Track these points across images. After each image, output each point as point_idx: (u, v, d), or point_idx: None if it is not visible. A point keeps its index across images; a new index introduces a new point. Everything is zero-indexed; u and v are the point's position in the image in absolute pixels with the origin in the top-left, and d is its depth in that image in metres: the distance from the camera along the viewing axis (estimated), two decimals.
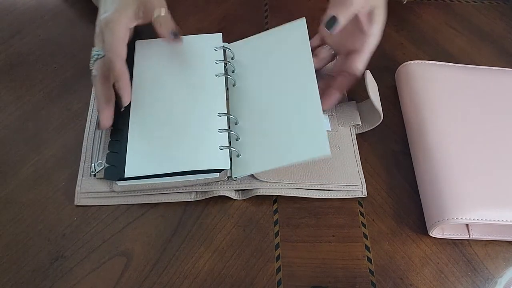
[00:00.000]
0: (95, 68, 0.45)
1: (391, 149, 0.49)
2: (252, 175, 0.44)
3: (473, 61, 0.57)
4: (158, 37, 0.47)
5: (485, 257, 0.43)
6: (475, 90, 0.50)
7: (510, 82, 0.51)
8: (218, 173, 0.43)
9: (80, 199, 0.44)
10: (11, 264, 0.41)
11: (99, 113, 0.45)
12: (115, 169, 0.44)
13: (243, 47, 0.51)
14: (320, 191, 0.45)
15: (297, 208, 0.45)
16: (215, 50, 0.50)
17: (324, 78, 0.50)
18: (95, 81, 0.45)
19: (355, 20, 0.44)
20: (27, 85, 0.52)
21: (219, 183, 0.44)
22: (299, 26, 0.48)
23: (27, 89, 0.52)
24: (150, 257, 0.42)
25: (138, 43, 0.50)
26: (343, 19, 0.42)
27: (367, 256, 0.42)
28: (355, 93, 0.52)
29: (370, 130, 0.49)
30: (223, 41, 0.51)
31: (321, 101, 0.43)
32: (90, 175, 0.45)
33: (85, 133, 0.48)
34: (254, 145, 0.44)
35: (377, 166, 0.48)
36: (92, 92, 0.51)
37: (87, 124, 0.48)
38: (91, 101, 0.51)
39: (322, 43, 0.51)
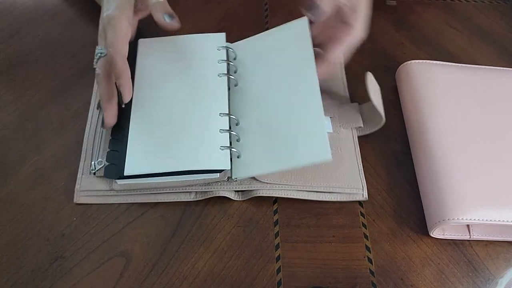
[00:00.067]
0: (99, 67, 0.45)
1: (392, 149, 0.49)
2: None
3: (473, 61, 0.56)
4: (160, 36, 0.46)
5: (486, 257, 0.43)
6: (475, 89, 0.49)
7: (511, 81, 0.51)
8: (218, 174, 0.43)
9: (80, 197, 0.44)
10: (11, 264, 0.41)
11: (103, 112, 0.45)
12: (115, 167, 0.43)
13: (245, 47, 0.51)
14: (321, 193, 0.45)
15: (297, 208, 0.45)
16: (217, 49, 0.50)
17: None
18: (98, 80, 0.45)
19: (339, 14, 0.44)
20: (26, 85, 0.52)
21: (219, 183, 0.44)
22: (301, 25, 0.48)
23: (27, 89, 0.52)
24: (149, 257, 0.41)
25: (141, 42, 0.51)
26: (325, 6, 0.42)
27: (367, 256, 0.42)
28: (358, 95, 0.51)
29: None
30: None
31: None
32: (90, 174, 0.45)
33: (85, 131, 0.48)
34: (255, 146, 0.44)
35: (377, 166, 0.48)
36: (93, 91, 0.51)
37: (87, 122, 0.48)
38: (92, 99, 0.50)
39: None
